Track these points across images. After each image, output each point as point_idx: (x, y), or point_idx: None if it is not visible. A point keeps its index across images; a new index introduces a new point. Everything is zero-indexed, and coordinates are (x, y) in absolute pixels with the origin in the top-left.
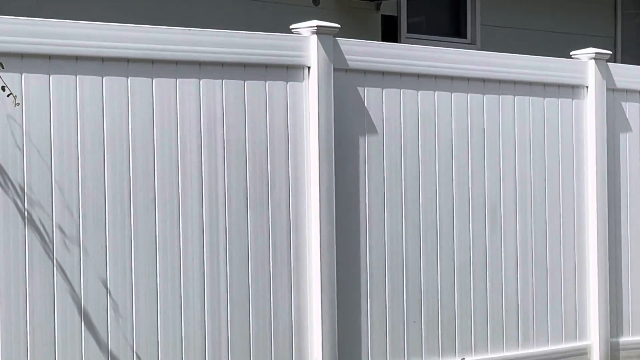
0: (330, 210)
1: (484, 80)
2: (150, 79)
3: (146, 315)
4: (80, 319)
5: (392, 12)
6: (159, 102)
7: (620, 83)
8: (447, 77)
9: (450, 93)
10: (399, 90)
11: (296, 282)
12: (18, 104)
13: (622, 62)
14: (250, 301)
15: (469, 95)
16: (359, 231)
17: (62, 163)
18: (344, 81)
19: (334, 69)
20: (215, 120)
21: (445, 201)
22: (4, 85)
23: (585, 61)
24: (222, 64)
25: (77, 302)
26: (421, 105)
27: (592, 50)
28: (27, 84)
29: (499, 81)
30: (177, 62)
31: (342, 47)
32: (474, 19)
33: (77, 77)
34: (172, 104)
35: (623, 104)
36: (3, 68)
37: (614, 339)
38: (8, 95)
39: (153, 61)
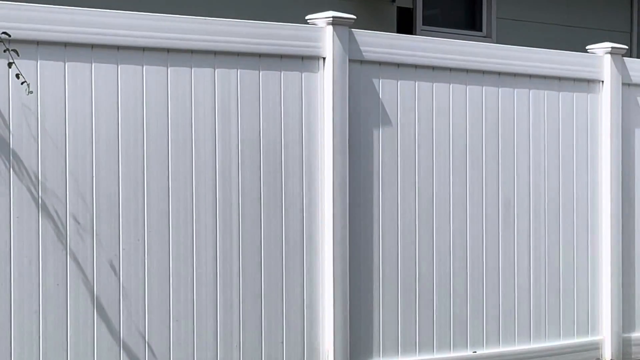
0: (344, 202)
1: (499, 74)
2: (165, 68)
3: (158, 304)
4: (92, 307)
5: (407, 5)
6: (173, 91)
7: (635, 78)
8: (462, 70)
9: (465, 86)
10: (413, 82)
11: (309, 274)
12: (31, 92)
13: (637, 57)
14: (262, 293)
15: (484, 88)
16: (372, 223)
17: (77, 151)
18: (359, 72)
19: (349, 60)
20: (230, 110)
21: (459, 194)
22: (18, 72)
23: (601, 55)
24: (237, 54)
25: (90, 290)
26: (436, 97)
27: (608, 44)
28: (42, 71)
29: (514, 74)
30: (192, 51)
31: (357, 38)
32: (490, 12)
33: (93, 65)
34: (186, 92)
35: (638, 98)
36: (18, 55)
37: (626, 335)
38: (22, 84)
39: (168, 50)
